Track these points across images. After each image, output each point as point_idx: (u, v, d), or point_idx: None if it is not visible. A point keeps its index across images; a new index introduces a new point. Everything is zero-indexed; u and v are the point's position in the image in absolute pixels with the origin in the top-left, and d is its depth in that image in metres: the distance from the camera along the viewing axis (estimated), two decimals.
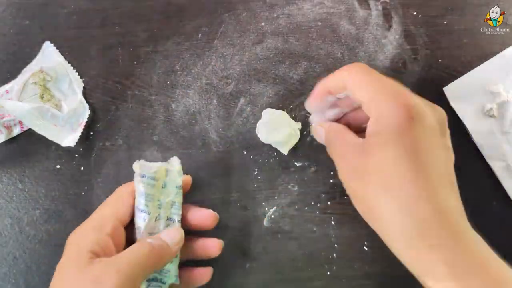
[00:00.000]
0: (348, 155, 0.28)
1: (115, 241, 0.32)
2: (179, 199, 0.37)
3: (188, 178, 0.40)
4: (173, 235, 0.34)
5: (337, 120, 0.35)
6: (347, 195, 0.33)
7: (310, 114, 0.46)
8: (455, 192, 0.27)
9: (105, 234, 0.31)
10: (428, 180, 0.25)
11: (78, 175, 0.45)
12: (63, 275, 0.30)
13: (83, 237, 0.32)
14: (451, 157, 0.28)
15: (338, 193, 0.44)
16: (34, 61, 0.47)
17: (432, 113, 0.28)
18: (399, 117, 0.26)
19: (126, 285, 0.28)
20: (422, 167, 0.25)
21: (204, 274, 0.38)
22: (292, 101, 0.46)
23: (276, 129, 0.43)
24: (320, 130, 0.33)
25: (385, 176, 0.25)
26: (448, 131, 0.29)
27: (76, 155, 0.46)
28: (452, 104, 0.45)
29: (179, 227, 0.36)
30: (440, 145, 0.27)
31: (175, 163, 0.38)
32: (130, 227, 0.35)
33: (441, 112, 0.29)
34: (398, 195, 0.25)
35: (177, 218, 0.37)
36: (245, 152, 0.45)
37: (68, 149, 0.45)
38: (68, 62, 0.47)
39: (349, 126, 0.32)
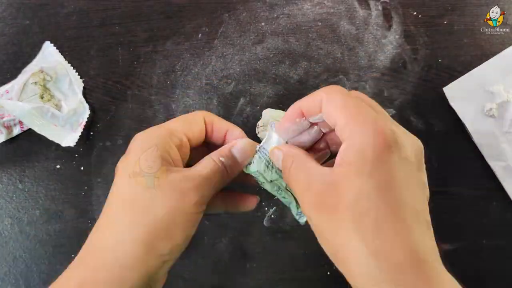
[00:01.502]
0: (313, 187, 0.25)
1: (182, 156, 0.31)
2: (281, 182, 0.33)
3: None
4: (244, 151, 0.31)
5: (316, 143, 0.32)
6: None
7: None
8: (430, 231, 0.25)
9: (174, 144, 0.30)
10: (404, 220, 0.23)
11: (78, 175, 0.45)
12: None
13: (153, 141, 0.29)
14: (427, 193, 0.26)
15: None
16: (34, 61, 0.47)
17: (410, 144, 0.25)
18: (375, 145, 0.23)
19: (202, 202, 0.29)
20: (398, 204, 0.23)
21: (251, 200, 0.36)
22: (292, 101, 0.46)
23: None
24: (278, 154, 0.30)
25: (358, 213, 0.23)
26: (424, 166, 0.26)
27: (76, 155, 0.46)
28: (452, 104, 0.45)
29: (251, 141, 0.33)
30: (416, 180, 0.25)
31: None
32: (196, 151, 0.33)
33: (419, 143, 0.26)
34: (372, 236, 0.22)
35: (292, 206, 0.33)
36: None
37: (68, 149, 0.45)
38: (68, 62, 0.47)
39: (328, 149, 0.31)
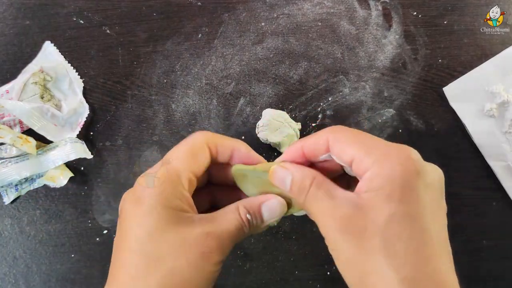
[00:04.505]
0: (340, 210, 0.24)
1: (190, 193, 0.29)
2: None
3: None
4: (274, 211, 0.30)
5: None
6: None
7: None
8: (451, 261, 0.24)
9: (184, 189, 0.28)
10: (433, 249, 0.23)
11: (78, 175, 0.45)
12: (151, 229, 0.26)
13: (161, 189, 0.27)
14: (446, 220, 0.26)
15: None
16: (34, 61, 0.47)
17: (432, 171, 0.25)
18: (404, 172, 0.23)
19: (223, 260, 0.28)
20: (428, 232, 0.23)
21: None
22: (292, 101, 0.46)
23: (276, 130, 0.43)
24: (286, 174, 0.28)
25: (389, 238, 0.22)
26: (444, 193, 0.27)
27: None
28: (452, 104, 0.45)
29: (283, 201, 0.30)
30: (441, 207, 0.25)
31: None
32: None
33: (440, 171, 0.26)
34: (403, 262, 0.22)
35: None
36: None
37: None
38: (68, 62, 0.47)
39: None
